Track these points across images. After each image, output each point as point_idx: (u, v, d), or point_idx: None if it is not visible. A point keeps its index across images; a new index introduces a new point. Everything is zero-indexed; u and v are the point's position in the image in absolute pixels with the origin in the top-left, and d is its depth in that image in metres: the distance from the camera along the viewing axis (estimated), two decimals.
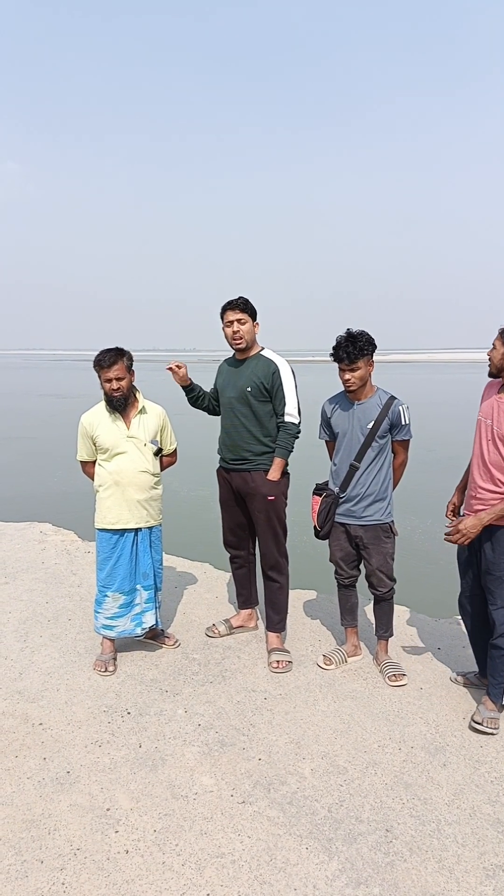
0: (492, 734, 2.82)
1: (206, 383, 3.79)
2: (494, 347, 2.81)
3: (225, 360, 3.64)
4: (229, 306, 3.36)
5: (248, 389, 3.37)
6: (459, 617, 3.46)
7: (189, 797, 2.42)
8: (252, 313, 3.38)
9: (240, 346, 3.38)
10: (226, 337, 3.41)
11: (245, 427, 3.41)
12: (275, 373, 3.38)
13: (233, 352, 3.50)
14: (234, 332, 3.35)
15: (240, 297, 3.36)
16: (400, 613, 4.12)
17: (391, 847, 2.18)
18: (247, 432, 3.41)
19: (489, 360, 2.85)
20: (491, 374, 2.89)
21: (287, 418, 3.39)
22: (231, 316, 3.35)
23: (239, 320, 3.34)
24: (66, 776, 2.53)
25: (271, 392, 3.38)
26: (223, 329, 3.41)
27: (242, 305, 3.34)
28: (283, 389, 3.38)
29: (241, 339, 3.36)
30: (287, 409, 3.38)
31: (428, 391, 30.36)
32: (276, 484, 3.41)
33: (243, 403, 3.39)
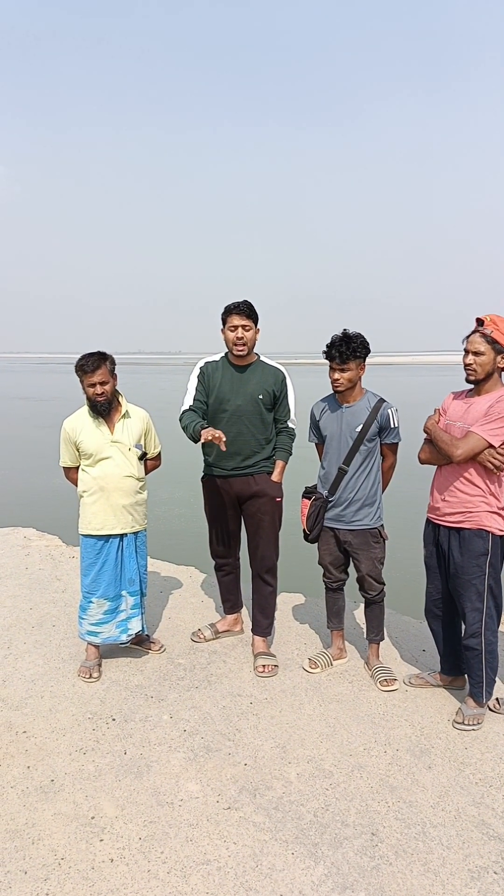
0: (474, 729, 2.86)
1: (183, 384, 3.60)
2: (480, 353, 2.75)
3: (210, 364, 3.44)
4: (235, 311, 3.26)
5: (261, 397, 3.34)
6: None
7: (174, 804, 2.40)
8: (256, 319, 3.31)
9: (241, 352, 3.29)
10: (226, 340, 3.32)
11: (252, 434, 3.37)
12: (283, 380, 3.43)
13: (220, 355, 3.45)
14: (239, 338, 3.26)
15: (244, 302, 3.28)
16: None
17: (377, 851, 2.19)
18: (253, 439, 3.38)
19: (473, 367, 2.78)
20: (476, 381, 2.83)
21: (289, 424, 3.50)
22: (236, 321, 3.25)
23: (244, 326, 3.25)
24: (51, 784, 2.50)
25: (278, 399, 3.42)
26: (224, 332, 3.32)
27: (248, 311, 3.27)
28: (287, 397, 3.46)
29: (244, 345, 3.28)
30: (290, 416, 3.49)
31: (412, 393, 30.54)
32: (280, 486, 3.46)
33: (254, 411, 3.35)
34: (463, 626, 2.99)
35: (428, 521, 3.09)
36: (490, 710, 3.01)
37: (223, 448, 3.07)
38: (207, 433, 2.98)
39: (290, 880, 2.06)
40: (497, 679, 3.06)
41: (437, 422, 2.96)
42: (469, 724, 2.88)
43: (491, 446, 2.71)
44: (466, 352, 2.80)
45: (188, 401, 3.38)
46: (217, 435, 2.96)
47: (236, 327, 3.26)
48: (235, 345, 3.28)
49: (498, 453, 2.71)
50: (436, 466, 3.03)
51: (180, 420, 3.30)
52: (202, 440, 3.04)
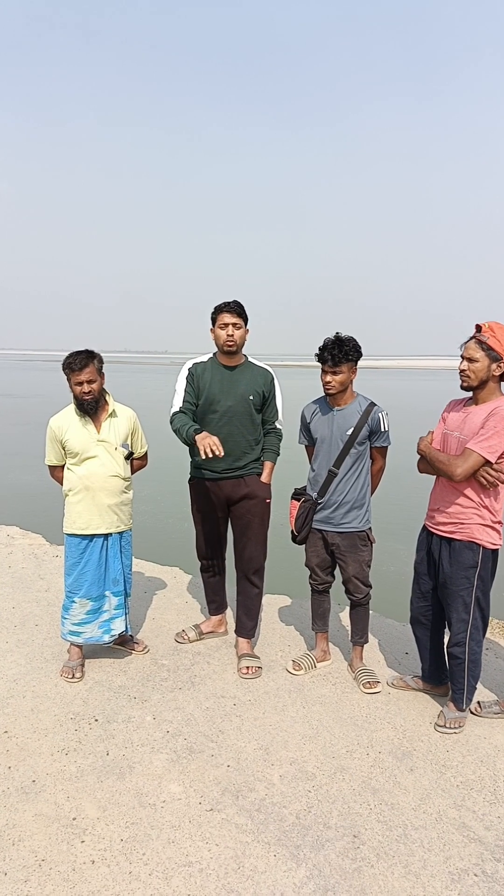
0: (456, 732, 2.89)
1: (169, 383, 3.60)
2: (475, 360, 2.74)
3: (199, 365, 3.42)
4: (226, 309, 3.28)
5: (251, 398, 3.35)
6: None
7: (157, 805, 2.39)
8: (245, 318, 3.33)
9: (231, 350, 3.30)
10: (216, 339, 3.33)
11: (242, 435, 3.38)
12: (272, 381, 3.46)
13: (208, 356, 3.44)
14: (229, 336, 3.27)
15: (234, 301, 3.31)
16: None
17: (358, 853, 2.19)
18: (244, 440, 3.39)
19: (467, 373, 2.78)
20: (469, 388, 2.83)
21: (276, 424, 3.54)
22: (227, 319, 3.27)
23: (234, 324, 3.27)
24: (32, 785, 2.48)
25: (267, 400, 3.44)
26: (214, 330, 3.32)
27: (238, 310, 3.29)
28: (275, 398, 3.50)
29: (234, 343, 3.29)
30: (278, 417, 3.53)
31: (403, 397, 30.71)
32: (269, 487, 3.49)
33: (244, 412, 3.35)
34: (447, 635, 3.01)
35: (424, 527, 3.10)
36: (472, 713, 3.04)
37: (220, 455, 2.99)
38: (205, 444, 2.95)
39: (272, 882, 2.06)
40: (479, 684, 3.08)
41: (430, 442, 2.98)
42: (451, 728, 2.90)
43: (488, 462, 2.71)
44: (462, 358, 2.82)
45: (178, 402, 3.36)
46: (216, 451, 2.94)
47: (227, 325, 3.27)
48: (226, 342, 3.28)
49: (494, 470, 2.71)
50: (435, 476, 3.04)
51: (171, 422, 3.29)
52: (202, 452, 2.97)
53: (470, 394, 2.89)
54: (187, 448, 3.43)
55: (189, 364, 3.44)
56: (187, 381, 3.39)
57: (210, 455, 2.94)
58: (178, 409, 3.34)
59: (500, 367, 2.74)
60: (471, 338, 2.80)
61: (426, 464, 2.97)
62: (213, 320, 3.32)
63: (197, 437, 3.03)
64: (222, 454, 2.98)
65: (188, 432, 3.13)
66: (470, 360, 2.77)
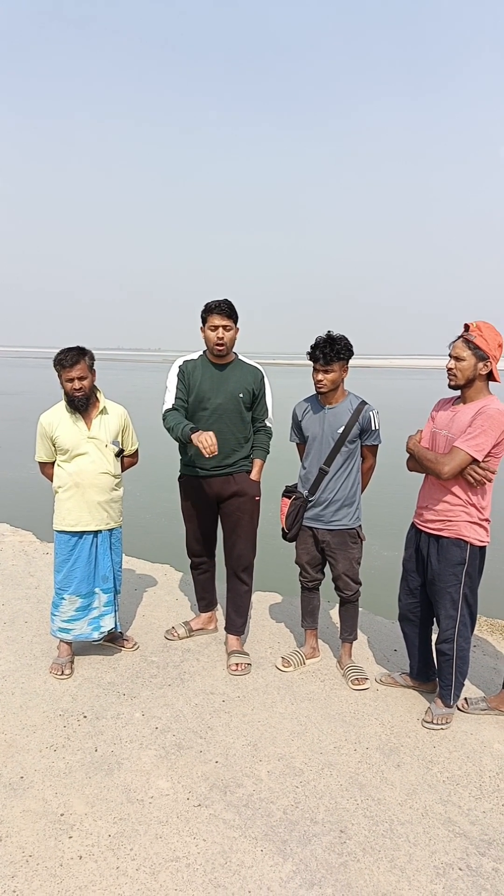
0: (443, 729, 2.91)
1: (162, 381, 3.58)
2: (462, 358, 2.75)
3: (189, 363, 3.41)
4: (216, 310, 3.24)
5: (241, 396, 3.35)
6: None
7: (144, 801, 2.40)
8: (236, 318, 3.31)
9: (222, 352, 3.30)
10: (206, 339, 3.31)
11: (232, 433, 3.38)
12: (262, 379, 3.47)
13: (198, 354, 3.44)
14: (219, 338, 3.25)
15: (225, 301, 3.27)
16: None
17: (345, 847, 2.21)
18: (233, 438, 3.39)
19: (454, 371, 2.80)
20: (456, 386, 2.84)
21: (266, 423, 3.55)
22: (217, 321, 3.24)
23: (224, 326, 3.25)
24: (20, 781, 2.48)
25: (257, 398, 3.46)
26: (204, 331, 3.30)
27: (228, 311, 3.26)
28: (265, 396, 3.51)
29: (224, 345, 3.27)
30: (268, 415, 3.54)
31: (393, 395, 30.82)
32: (258, 485, 3.50)
33: (234, 410, 3.35)
34: (436, 632, 3.03)
35: (412, 525, 3.12)
36: (459, 709, 3.06)
37: (215, 453, 2.98)
38: (201, 440, 2.95)
39: (259, 877, 2.07)
40: (466, 681, 3.11)
41: (419, 441, 2.99)
42: (438, 724, 2.92)
43: (475, 461, 2.72)
44: (450, 356, 2.83)
45: (170, 399, 3.35)
46: (210, 447, 2.93)
47: (217, 327, 3.25)
48: (216, 345, 3.27)
49: (480, 468, 2.73)
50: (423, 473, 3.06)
51: (164, 420, 3.28)
52: (205, 452, 2.95)
53: (458, 392, 2.90)
54: (177, 445, 3.43)
55: (179, 362, 3.43)
56: (178, 379, 3.38)
57: (211, 454, 2.94)
58: (170, 407, 3.33)
59: (486, 365, 2.75)
60: (459, 337, 2.81)
61: (415, 462, 2.99)
62: (203, 320, 3.30)
63: (193, 436, 3.02)
64: (216, 451, 2.98)
65: (183, 431, 3.12)
66: (457, 358, 2.78)
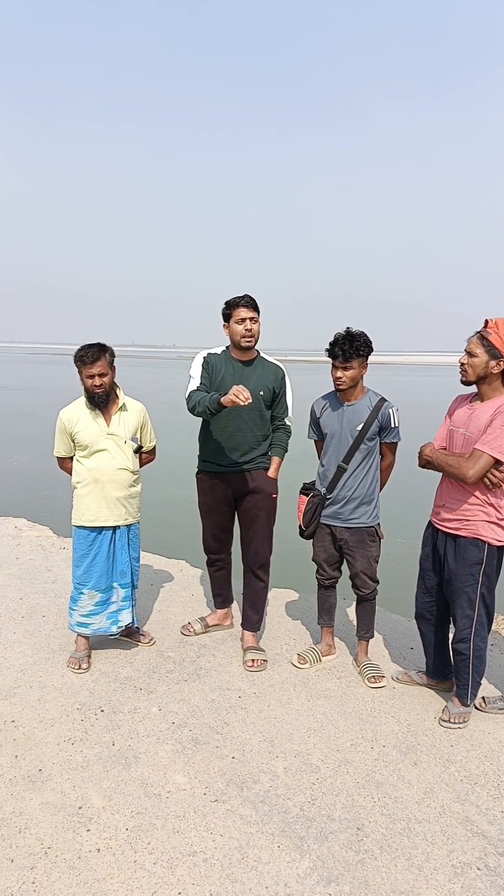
0: (460, 728, 2.90)
1: (182, 376, 3.59)
2: (474, 354, 2.74)
3: (213, 356, 3.42)
4: (242, 303, 3.26)
5: (262, 393, 3.36)
6: None
7: (162, 795, 2.42)
8: (259, 311, 3.33)
9: (249, 344, 3.31)
10: (232, 334, 3.31)
11: (251, 430, 3.39)
12: (283, 377, 3.47)
13: (221, 349, 3.44)
14: (248, 330, 3.26)
15: (248, 295, 3.29)
16: None
17: (362, 845, 2.21)
18: (252, 435, 3.40)
19: (465, 367, 2.78)
20: (468, 383, 2.83)
21: (286, 421, 3.55)
22: (244, 313, 3.26)
23: (252, 318, 3.27)
24: (38, 774, 2.51)
25: (277, 396, 3.45)
26: (229, 325, 3.30)
27: (253, 303, 3.28)
28: (286, 395, 3.51)
29: (252, 337, 3.29)
30: (287, 413, 3.54)
31: (412, 393, 30.64)
32: (275, 482, 3.50)
33: (254, 407, 3.35)
34: (453, 631, 3.01)
35: (429, 524, 3.10)
36: (476, 708, 3.04)
37: (250, 401, 2.91)
38: (234, 393, 2.89)
39: (276, 873, 2.08)
40: (483, 680, 3.09)
41: (434, 444, 2.97)
42: (455, 723, 2.91)
43: (498, 462, 2.70)
44: (465, 352, 2.81)
45: (194, 384, 3.35)
46: (246, 398, 2.88)
47: (244, 319, 3.26)
48: (244, 337, 3.28)
49: (500, 471, 2.70)
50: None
51: (188, 400, 3.28)
52: (241, 401, 2.89)
53: (474, 389, 2.88)
54: (197, 441, 3.46)
55: (203, 353, 3.46)
56: (203, 368, 3.40)
57: (247, 401, 2.88)
58: (195, 388, 3.33)
59: (499, 364, 2.71)
60: (476, 332, 2.79)
61: (430, 463, 2.95)
62: (227, 316, 3.30)
63: (223, 398, 2.99)
64: (250, 400, 2.92)
65: (211, 399, 3.10)
66: (470, 354, 2.76)
